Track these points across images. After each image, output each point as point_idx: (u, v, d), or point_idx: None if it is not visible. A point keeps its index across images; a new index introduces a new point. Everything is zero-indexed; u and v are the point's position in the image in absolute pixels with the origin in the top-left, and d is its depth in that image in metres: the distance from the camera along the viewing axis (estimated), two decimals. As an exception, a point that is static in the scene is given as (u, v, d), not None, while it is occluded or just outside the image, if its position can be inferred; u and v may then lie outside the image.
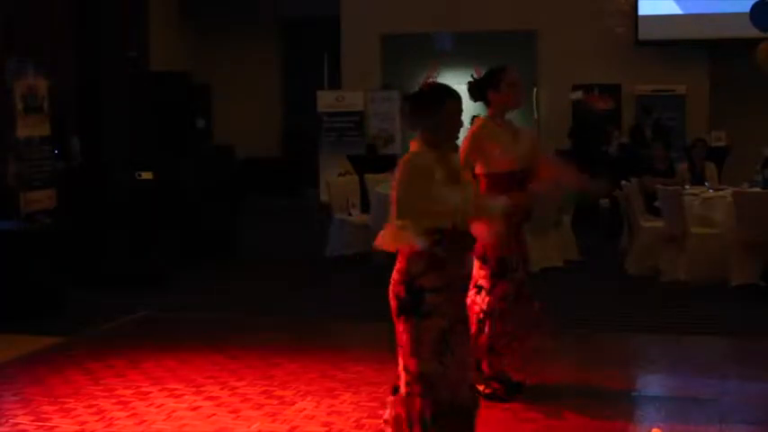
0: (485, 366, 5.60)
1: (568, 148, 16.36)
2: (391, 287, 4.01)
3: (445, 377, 3.94)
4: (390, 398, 4.13)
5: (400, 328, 4.00)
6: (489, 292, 5.59)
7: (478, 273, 5.58)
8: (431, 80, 4.10)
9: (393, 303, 4.01)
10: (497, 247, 5.55)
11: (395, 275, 4.01)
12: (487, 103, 5.68)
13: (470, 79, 5.64)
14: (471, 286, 5.56)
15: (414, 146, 4.08)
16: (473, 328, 5.36)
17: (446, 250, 3.94)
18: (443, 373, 3.93)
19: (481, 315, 5.58)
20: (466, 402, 4.02)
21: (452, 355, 3.95)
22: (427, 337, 3.93)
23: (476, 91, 5.61)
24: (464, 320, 4.13)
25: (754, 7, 12.29)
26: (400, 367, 4.04)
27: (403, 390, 4.02)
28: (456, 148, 4.50)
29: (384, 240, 3.92)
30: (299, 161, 18.76)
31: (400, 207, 3.91)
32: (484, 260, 5.58)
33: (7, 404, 5.69)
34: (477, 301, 5.58)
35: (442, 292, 3.96)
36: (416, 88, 4.12)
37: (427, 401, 3.95)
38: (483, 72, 5.65)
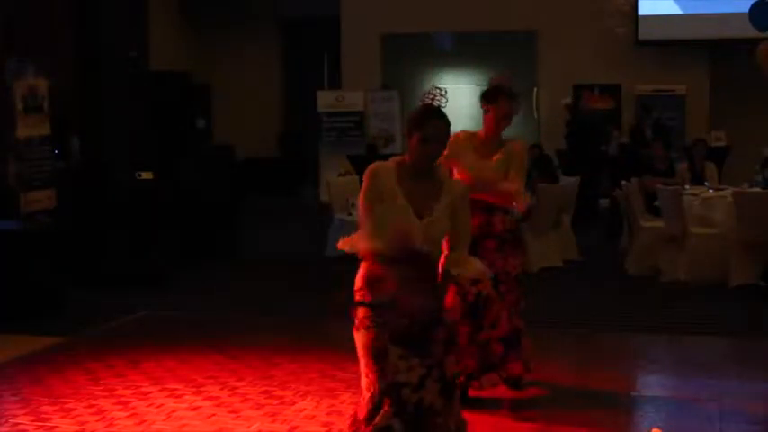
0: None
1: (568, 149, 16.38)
2: None
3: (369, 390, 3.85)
4: None
5: None
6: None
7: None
8: (429, 99, 3.99)
9: None
10: None
11: None
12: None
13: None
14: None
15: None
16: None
17: (388, 270, 3.85)
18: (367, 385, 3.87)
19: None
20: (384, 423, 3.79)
21: (381, 372, 3.81)
22: (361, 350, 3.90)
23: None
24: (407, 346, 3.82)
25: (753, 7, 12.30)
26: None
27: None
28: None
29: (347, 249, 4.00)
30: (298, 161, 18.77)
31: (360, 214, 3.97)
32: None
33: (7, 404, 5.70)
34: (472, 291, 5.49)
35: (375, 311, 3.85)
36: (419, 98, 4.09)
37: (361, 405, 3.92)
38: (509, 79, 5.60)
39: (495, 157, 5.54)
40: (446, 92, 4.02)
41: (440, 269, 3.96)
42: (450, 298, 5.35)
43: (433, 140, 3.86)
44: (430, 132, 3.86)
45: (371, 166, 3.92)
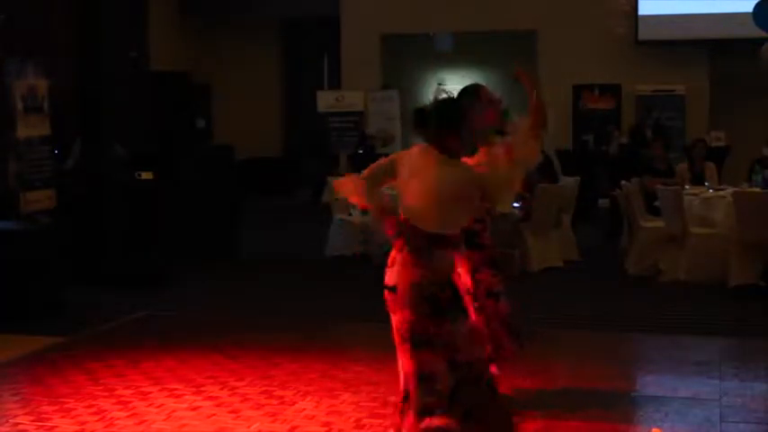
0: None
1: (568, 148, 16.40)
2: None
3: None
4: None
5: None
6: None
7: (491, 280, 5.47)
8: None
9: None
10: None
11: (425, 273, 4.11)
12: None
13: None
14: (484, 294, 5.43)
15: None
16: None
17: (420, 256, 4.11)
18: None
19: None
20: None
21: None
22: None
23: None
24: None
25: (757, 6, 12.27)
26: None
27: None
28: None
29: (341, 188, 4.41)
30: (298, 161, 18.78)
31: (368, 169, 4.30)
32: (495, 265, 5.47)
33: (7, 404, 5.69)
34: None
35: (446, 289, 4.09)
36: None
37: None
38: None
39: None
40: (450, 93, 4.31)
41: None
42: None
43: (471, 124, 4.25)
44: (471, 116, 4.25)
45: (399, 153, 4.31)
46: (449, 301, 4.05)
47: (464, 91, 5.55)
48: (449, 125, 4.11)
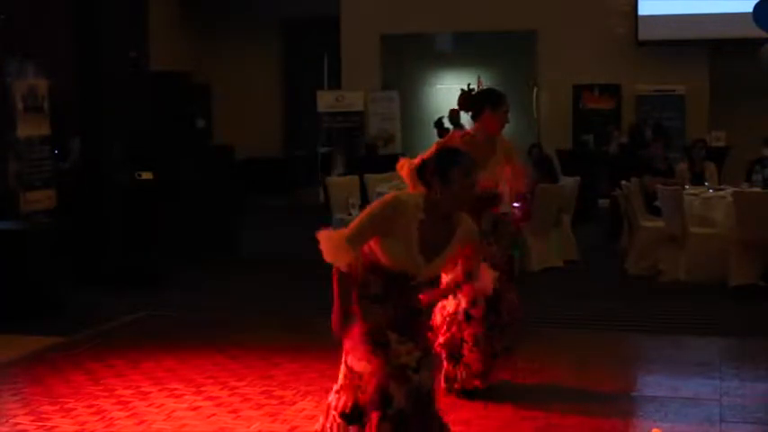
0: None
1: (568, 148, 16.41)
2: None
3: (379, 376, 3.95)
4: None
5: None
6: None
7: (445, 278, 5.50)
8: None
9: None
10: None
11: None
12: (477, 118, 5.67)
13: (469, 88, 5.63)
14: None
15: (419, 190, 3.97)
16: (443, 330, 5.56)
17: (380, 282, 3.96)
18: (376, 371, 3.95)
19: (447, 318, 5.61)
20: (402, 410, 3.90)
21: (386, 358, 3.92)
22: (358, 337, 3.98)
23: (472, 102, 5.62)
24: (403, 332, 3.95)
25: (757, 6, 12.27)
26: None
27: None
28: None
29: (323, 246, 3.95)
30: (298, 161, 18.78)
31: (356, 227, 3.87)
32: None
33: (7, 404, 5.69)
34: (445, 305, 5.59)
35: (371, 302, 3.97)
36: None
37: (346, 397, 4.02)
38: (484, 85, 5.67)
39: (490, 162, 5.61)
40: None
41: None
42: (474, 294, 5.44)
43: (467, 183, 3.87)
44: (459, 176, 3.85)
45: (400, 198, 3.88)
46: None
47: (492, 90, 5.66)
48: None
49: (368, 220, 3.87)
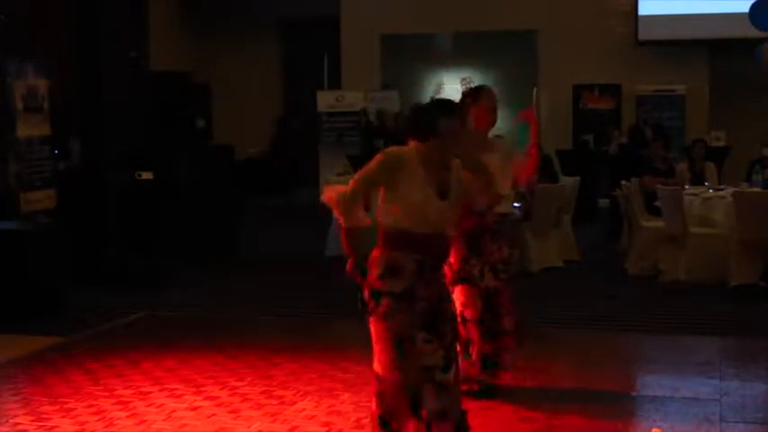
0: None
1: (568, 148, 16.40)
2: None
3: (396, 383, 3.95)
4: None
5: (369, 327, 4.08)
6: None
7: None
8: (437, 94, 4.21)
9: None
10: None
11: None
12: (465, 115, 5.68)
13: (471, 84, 5.64)
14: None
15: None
16: None
17: (405, 255, 3.98)
18: (395, 378, 3.96)
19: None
20: (427, 409, 3.94)
21: (406, 361, 3.93)
22: (383, 338, 3.98)
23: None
24: (430, 330, 3.99)
25: (753, 7, 12.27)
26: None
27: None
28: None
29: (327, 194, 4.08)
30: (298, 161, 18.76)
31: (354, 180, 4.03)
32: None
33: (7, 404, 5.69)
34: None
35: (401, 298, 3.95)
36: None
37: (377, 402, 4.03)
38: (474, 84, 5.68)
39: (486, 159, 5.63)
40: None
41: None
42: (469, 296, 5.45)
43: (454, 133, 4.02)
44: (447, 127, 4.00)
45: (393, 149, 4.04)
46: None
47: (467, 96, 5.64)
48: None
49: (363, 173, 4.04)
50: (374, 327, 4.02)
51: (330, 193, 4.07)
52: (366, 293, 4.03)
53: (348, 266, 4.07)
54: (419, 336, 3.93)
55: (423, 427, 3.92)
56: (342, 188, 4.06)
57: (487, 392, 5.60)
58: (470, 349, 5.59)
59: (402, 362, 3.93)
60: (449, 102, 4.14)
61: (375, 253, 4.04)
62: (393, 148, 4.05)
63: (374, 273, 4.01)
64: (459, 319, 5.57)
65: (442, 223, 4.01)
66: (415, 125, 4.06)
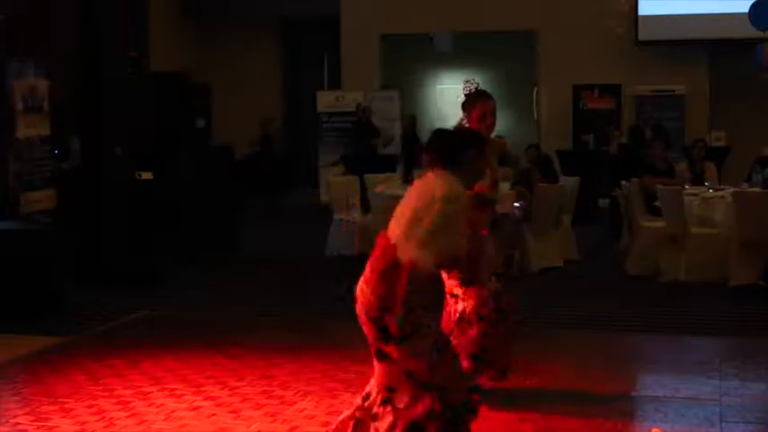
0: None
1: (568, 148, 16.41)
2: (367, 311, 3.88)
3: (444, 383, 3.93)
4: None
5: (394, 352, 3.87)
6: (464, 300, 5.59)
7: (449, 282, 5.50)
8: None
9: (376, 327, 3.88)
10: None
11: (371, 299, 3.87)
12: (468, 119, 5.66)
13: (472, 87, 5.60)
14: (447, 296, 5.54)
15: (443, 173, 3.90)
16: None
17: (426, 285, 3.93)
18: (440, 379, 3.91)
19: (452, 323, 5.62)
20: (460, 408, 3.94)
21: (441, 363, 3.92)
22: (422, 349, 3.85)
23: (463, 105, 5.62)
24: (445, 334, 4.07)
25: (753, 7, 12.28)
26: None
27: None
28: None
29: (405, 250, 3.73)
30: (298, 161, 18.77)
31: (436, 230, 3.69)
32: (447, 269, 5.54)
33: (7, 404, 5.70)
34: (457, 309, 5.58)
35: (429, 309, 3.96)
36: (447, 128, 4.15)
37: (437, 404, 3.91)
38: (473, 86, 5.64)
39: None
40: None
41: None
42: (484, 294, 5.45)
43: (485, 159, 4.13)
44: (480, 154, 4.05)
45: (460, 189, 3.83)
46: None
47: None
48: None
49: (447, 225, 3.73)
50: (404, 349, 3.84)
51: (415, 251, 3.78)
52: (395, 322, 3.81)
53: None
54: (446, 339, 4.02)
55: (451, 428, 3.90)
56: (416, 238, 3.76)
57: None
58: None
59: (446, 364, 3.91)
60: (476, 134, 4.13)
61: (377, 277, 3.88)
62: (456, 185, 3.82)
63: (401, 290, 3.80)
64: (475, 318, 5.54)
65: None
66: (440, 152, 3.96)
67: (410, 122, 17.14)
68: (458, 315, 5.57)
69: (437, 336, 3.94)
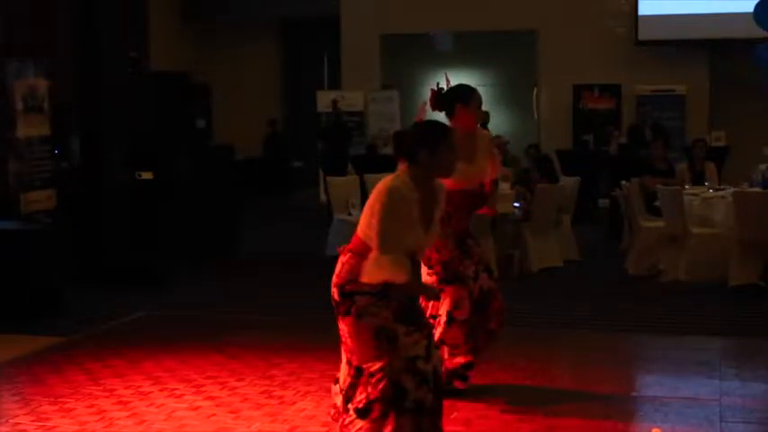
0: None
1: (569, 149, 16.41)
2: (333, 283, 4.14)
3: (389, 371, 3.99)
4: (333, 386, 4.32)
5: (340, 325, 4.13)
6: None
7: (427, 279, 5.51)
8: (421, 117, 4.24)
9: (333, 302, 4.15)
10: (441, 252, 5.53)
11: (333, 278, 4.12)
12: (451, 115, 5.65)
13: (438, 87, 5.59)
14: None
15: (400, 170, 4.08)
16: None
17: None
18: (385, 367, 4.00)
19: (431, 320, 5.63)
20: (419, 400, 3.99)
21: (388, 353, 3.98)
22: (364, 336, 4.02)
23: (444, 101, 5.58)
24: (408, 323, 4.04)
25: (758, 6, 12.24)
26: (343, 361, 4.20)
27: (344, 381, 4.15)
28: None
29: (369, 273, 3.95)
30: (298, 161, 18.79)
31: (384, 238, 3.92)
32: (429, 266, 5.54)
33: (7, 404, 5.70)
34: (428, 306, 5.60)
35: (374, 296, 3.99)
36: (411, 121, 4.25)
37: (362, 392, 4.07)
38: (451, 83, 5.65)
39: (476, 156, 5.65)
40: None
41: None
42: (459, 296, 5.46)
43: (453, 152, 4.09)
44: (450, 144, 4.07)
45: (399, 191, 3.96)
46: None
47: (461, 86, 5.65)
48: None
49: (389, 220, 3.93)
50: (350, 325, 4.05)
51: (372, 264, 3.98)
52: (337, 294, 4.08)
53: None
54: (400, 330, 3.99)
55: (405, 417, 3.95)
56: (373, 254, 3.97)
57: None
58: (456, 351, 5.59)
59: (384, 353, 3.98)
60: (431, 128, 4.13)
61: (348, 257, 4.08)
62: (394, 183, 3.98)
63: (346, 276, 4.05)
64: (445, 318, 5.57)
65: (423, 251, 4.12)
66: (398, 151, 4.11)
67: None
68: (436, 311, 5.60)
69: (384, 323, 3.99)
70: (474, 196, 5.65)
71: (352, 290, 4.02)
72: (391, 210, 3.92)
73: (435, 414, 4.07)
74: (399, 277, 3.94)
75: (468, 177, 5.52)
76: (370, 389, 4.01)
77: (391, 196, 3.94)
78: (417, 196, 3.99)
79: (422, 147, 4.04)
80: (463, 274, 5.55)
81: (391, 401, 3.95)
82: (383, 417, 3.98)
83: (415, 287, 4.19)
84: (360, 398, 4.05)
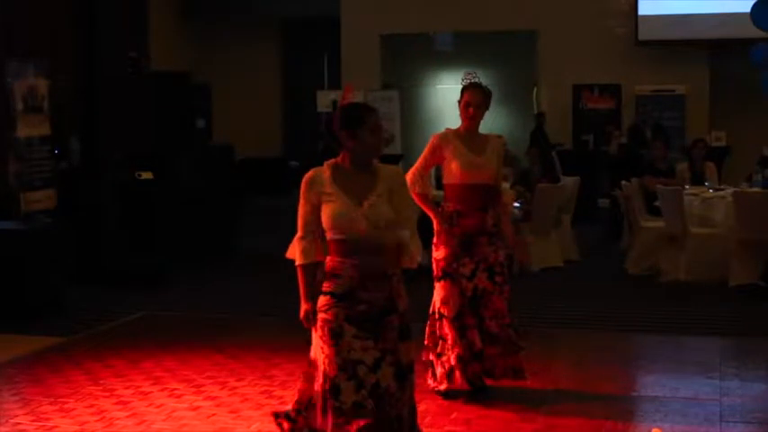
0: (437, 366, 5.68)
1: (569, 148, 16.41)
2: None
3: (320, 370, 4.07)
4: None
5: None
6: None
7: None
8: (348, 100, 4.34)
9: None
10: (438, 248, 5.60)
11: None
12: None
13: (471, 78, 5.67)
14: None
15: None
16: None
17: (341, 261, 4.02)
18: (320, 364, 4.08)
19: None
20: (357, 403, 3.96)
21: (337, 349, 4.01)
22: (319, 330, 4.12)
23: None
24: (364, 329, 4.00)
25: (755, 6, 12.25)
26: None
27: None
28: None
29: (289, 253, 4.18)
30: (298, 161, 18.75)
31: (298, 221, 4.13)
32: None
33: (7, 404, 5.70)
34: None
35: (335, 298, 4.02)
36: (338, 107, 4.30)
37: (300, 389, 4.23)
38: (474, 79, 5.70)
39: (485, 151, 5.68)
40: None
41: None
42: (448, 293, 5.48)
43: (375, 134, 4.24)
44: (372, 126, 4.21)
45: (308, 174, 4.14)
46: None
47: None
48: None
49: (300, 209, 4.12)
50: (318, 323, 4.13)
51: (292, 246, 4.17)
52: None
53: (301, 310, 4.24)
54: (349, 331, 3.99)
55: (330, 416, 3.95)
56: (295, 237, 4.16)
57: (474, 393, 5.64)
58: (444, 347, 5.59)
59: (329, 350, 4.03)
60: (347, 112, 4.20)
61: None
62: (311, 172, 4.14)
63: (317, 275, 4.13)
64: (435, 315, 5.61)
65: (366, 226, 4.00)
66: (334, 127, 4.18)
67: None
68: (431, 309, 5.65)
69: (333, 319, 4.02)
70: (486, 190, 5.65)
71: (320, 290, 4.11)
72: (300, 194, 4.09)
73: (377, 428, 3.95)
74: (296, 258, 4.12)
75: (477, 168, 5.56)
76: (313, 382, 4.12)
77: (303, 182, 4.09)
78: (332, 178, 4.05)
79: (341, 131, 4.11)
80: (456, 272, 5.56)
81: (327, 396, 3.97)
82: (323, 413, 3.99)
83: (305, 276, 4.18)
84: (302, 389, 4.21)
